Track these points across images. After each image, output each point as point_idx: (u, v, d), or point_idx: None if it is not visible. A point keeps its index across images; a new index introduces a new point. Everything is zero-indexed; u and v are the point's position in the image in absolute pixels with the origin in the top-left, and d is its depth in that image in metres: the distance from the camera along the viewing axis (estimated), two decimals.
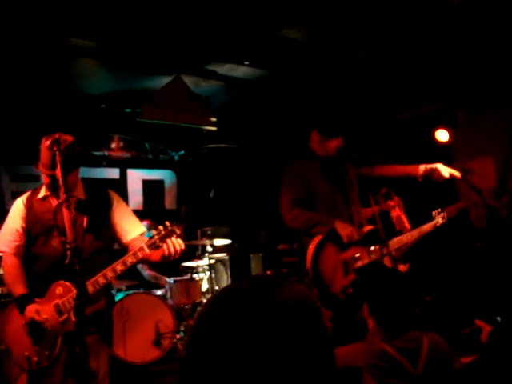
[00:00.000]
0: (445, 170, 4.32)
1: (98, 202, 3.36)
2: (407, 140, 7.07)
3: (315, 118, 4.57)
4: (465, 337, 3.57)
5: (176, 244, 3.11)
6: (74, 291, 2.70)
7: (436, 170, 4.31)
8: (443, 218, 4.36)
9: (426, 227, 4.35)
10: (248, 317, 0.91)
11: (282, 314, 0.92)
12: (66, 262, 2.42)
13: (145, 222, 7.09)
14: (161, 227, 3.21)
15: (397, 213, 4.66)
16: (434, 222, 4.35)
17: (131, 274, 6.65)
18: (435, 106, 6.71)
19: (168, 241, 3.10)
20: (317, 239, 3.96)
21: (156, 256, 3.19)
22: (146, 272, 6.90)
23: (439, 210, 4.42)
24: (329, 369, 0.94)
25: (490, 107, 6.40)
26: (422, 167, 4.36)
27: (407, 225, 4.50)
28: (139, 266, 6.91)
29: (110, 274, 3.05)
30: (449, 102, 6.62)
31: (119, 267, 3.06)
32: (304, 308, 0.95)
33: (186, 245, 7.60)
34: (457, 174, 4.42)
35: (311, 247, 3.92)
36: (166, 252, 3.11)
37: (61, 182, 2.74)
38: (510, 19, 5.01)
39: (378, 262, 3.82)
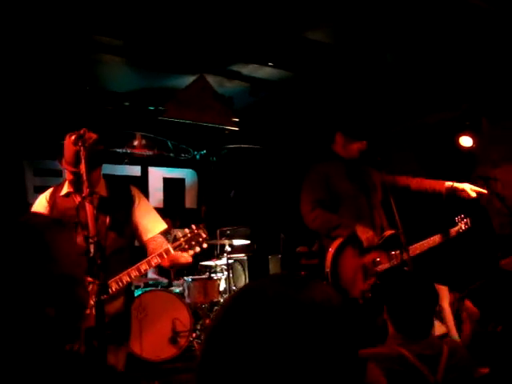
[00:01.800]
0: (471, 191, 4.27)
1: (120, 199, 3.36)
2: (430, 145, 7.00)
3: (339, 120, 4.56)
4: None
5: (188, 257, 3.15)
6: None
7: (463, 191, 4.27)
8: (466, 224, 4.33)
9: (449, 233, 4.31)
10: (274, 315, 0.89)
11: (311, 313, 0.89)
12: (91, 255, 2.43)
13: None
14: (187, 230, 3.21)
15: None
16: (457, 228, 4.32)
17: None
18: (459, 111, 6.63)
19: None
20: (337, 242, 3.94)
21: (165, 262, 3.19)
22: (152, 274, 6.89)
23: (462, 215, 4.38)
24: (355, 370, 0.93)
25: None
26: (449, 184, 4.31)
27: None
28: None
29: (134, 273, 3.06)
30: (473, 107, 6.54)
31: (143, 267, 3.08)
32: (332, 307, 0.93)
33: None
34: (483, 191, 4.36)
35: (331, 250, 3.91)
36: (184, 260, 3.13)
37: (84, 178, 2.76)
38: None
39: (398, 267, 3.79)
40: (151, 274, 6.93)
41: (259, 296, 0.93)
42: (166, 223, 7.14)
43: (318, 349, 0.87)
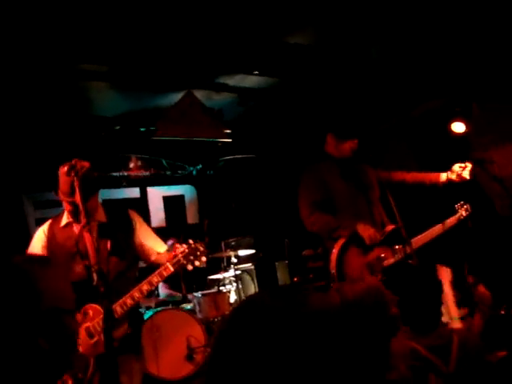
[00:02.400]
0: (463, 171, 4.26)
1: (119, 223, 3.40)
2: (423, 135, 7.01)
3: (329, 121, 4.57)
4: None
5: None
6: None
7: (458, 177, 4.24)
8: (466, 210, 4.33)
9: (450, 221, 4.31)
10: (275, 327, 0.90)
11: (312, 324, 0.91)
12: (94, 284, 2.45)
13: (170, 241, 7.11)
14: (185, 245, 3.24)
15: None
16: (457, 215, 4.31)
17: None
18: (449, 98, 6.65)
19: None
20: (340, 243, 3.94)
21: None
22: (161, 290, 6.90)
23: (462, 202, 4.38)
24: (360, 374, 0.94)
25: (505, 95, 6.32)
26: (443, 178, 4.31)
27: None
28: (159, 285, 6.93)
29: (137, 294, 3.08)
30: (462, 93, 6.56)
31: (145, 287, 3.10)
32: (333, 317, 0.94)
33: (210, 258, 7.59)
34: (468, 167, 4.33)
35: (334, 251, 3.91)
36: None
37: (81, 208, 2.77)
38: None
39: (403, 261, 3.79)
40: (163, 290, 6.93)
41: (257, 311, 0.95)
42: (173, 243, 7.17)
43: (317, 357, 0.88)
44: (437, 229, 4.23)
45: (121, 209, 3.62)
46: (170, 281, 6.90)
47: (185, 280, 7.29)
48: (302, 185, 4.23)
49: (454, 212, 4.34)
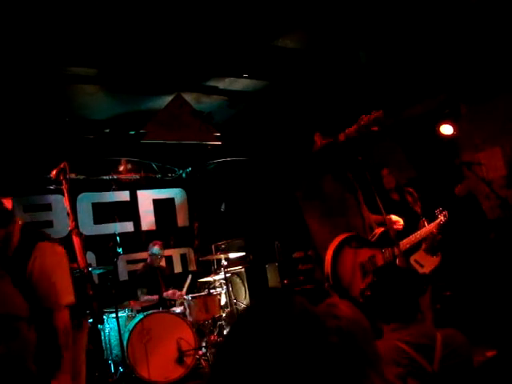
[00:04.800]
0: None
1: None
2: (413, 137, 7.06)
3: (316, 120, 4.61)
4: None
5: None
6: None
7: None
8: (445, 216, 4.50)
9: (430, 227, 4.49)
10: (261, 337, 0.94)
11: (282, 335, 0.93)
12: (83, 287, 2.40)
13: (156, 246, 7.08)
14: None
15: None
16: (437, 221, 4.50)
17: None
18: (437, 100, 6.70)
19: None
20: (334, 243, 3.96)
21: None
22: (142, 296, 6.70)
23: (440, 208, 4.55)
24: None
25: (492, 97, 6.38)
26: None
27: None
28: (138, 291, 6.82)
29: None
30: (450, 95, 6.61)
31: None
32: (306, 320, 0.96)
33: (201, 261, 7.55)
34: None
35: (329, 252, 3.93)
36: None
37: (69, 211, 2.77)
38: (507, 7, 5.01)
39: (391, 262, 3.83)
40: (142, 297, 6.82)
41: (248, 322, 1.01)
42: (158, 247, 7.07)
43: (299, 360, 0.90)
44: (421, 232, 4.37)
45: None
46: (146, 284, 6.82)
47: (174, 283, 7.30)
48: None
49: (435, 218, 4.52)
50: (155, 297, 6.52)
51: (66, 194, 2.84)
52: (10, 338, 2.17)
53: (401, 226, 4.33)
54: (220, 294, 6.86)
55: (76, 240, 2.66)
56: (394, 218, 4.35)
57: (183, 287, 7.05)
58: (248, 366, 0.92)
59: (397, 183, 5.20)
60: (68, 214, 2.79)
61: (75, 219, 2.75)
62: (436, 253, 4.66)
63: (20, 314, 2.10)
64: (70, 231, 2.74)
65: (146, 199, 8.43)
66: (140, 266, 7.33)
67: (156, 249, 6.96)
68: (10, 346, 2.18)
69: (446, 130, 6.31)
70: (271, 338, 0.93)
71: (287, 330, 0.94)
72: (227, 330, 6.64)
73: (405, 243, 4.13)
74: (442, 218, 4.50)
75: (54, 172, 3.00)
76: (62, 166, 3.02)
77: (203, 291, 6.90)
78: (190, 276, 7.18)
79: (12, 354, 2.19)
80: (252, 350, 0.93)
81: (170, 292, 6.80)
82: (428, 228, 4.50)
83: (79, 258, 2.57)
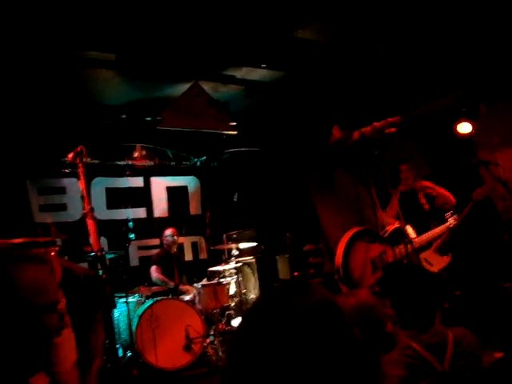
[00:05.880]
0: None
1: None
2: (430, 134, 7.01)
3: (334, 113, 4.60)
4: None
5: None
6: None
7: None
8: (455, 219, 4.55)
9: (440, 229, 4.53)
10: (269, 330, 0.93)
11: (299, 325, 0.92)
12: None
13: (169, 230, 7.16)
14: None
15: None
16: (447, 224, 4.54)
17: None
18: (456, 97, 6.63)
19: None
20: (347, 237, 3.95)
21: None
22: (155, 275, 6.93)
23: (451, 212, 4.59)
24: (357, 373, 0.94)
25: (510, 96, 6.31)
26: None
27: (452, 199, 4.68)
28: (152, 268, 6.95)
29: None
30: (469, 93, 6.54)
31: None
32: (322, 316, 0.95)
33: (212, 250, 7.57)
34: None
35: (341, 245, 3.92)
36: None
37: (85, 194, 2.79)
38: None
39: (401, 260, 3.82)
40: (154, 274, 6.91)
41: (256, 314, 1.00)
42: (172, 232, 7.16)
43: (314, 356, 0.90)
44: (433, 233, 4.40)
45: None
46: (162, 266, 6.93)
47: (186, 271, 7.34)
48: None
49: (445, 221, 4.57)
50: (172, 283, 6.61)
51: (81, 177, 2.86)
52: None
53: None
54: (229, 284, 6.87)
55: (91, 223, 2.68)
56: (409, 229, 4.34)
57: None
58: (265, 358, 0.91)
59: (414, 180, 5.21)
60: (83, 197, 2.80)
61: (90, 202, 2.76)
62: (446, 253, 4.68)
63: None
64: (85, 214, 2.75)
65: (159, 186, 8.45)
66: (153, 252, 7.39)
67: (169, 233, 7.09)
68: None
69: (464, 128, 6.25)
70: (292, 328, 0.92)
71: (309, 322, 0.93)
72: (237, 319, 6.67)
73: (417, 242, 4.13)
74: (452, 221, 4.55)
75: (71, 155, 3.02)
76: (78, 149, 3.04)
77: (213, 280, 6.92)
78: (205, 279, 7.21)
79: None
80: (269, 342, 0.92)
81: (185, 287, 6.86)
82: (439, 229, 4.52)
83: (93, 240, 2.59)
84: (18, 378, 1.15)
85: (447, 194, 5.04)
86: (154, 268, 6.93)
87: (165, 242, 7.19)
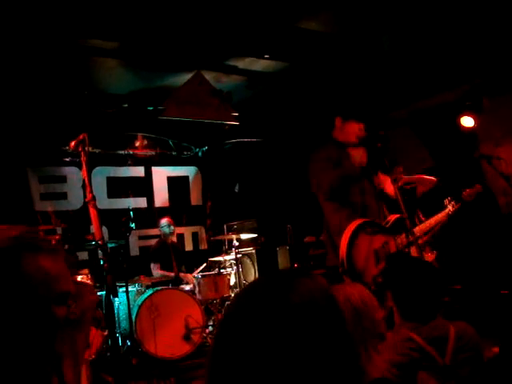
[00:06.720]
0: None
1: None
2: (433, 127, 6.99)
3: (337, 104, 4.57)
4: None
5: None
6: None
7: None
8: (453, 206, 4.40)
9: (440, 216, 4.38)
10: (262, 320, 0.91)
11: (293, 316, 0.90)
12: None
13: (164, 221, 7.17)
14: None
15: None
16: (446, 211, 4.38)
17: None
18: (460, 91, 6.61)
19: None
20: (350, 229, 3.95)
21: None
22: (155, 272, 6.95)
23: (450, 198, 4.45)
24: (348, 366, 0.93)
25: None
26: None
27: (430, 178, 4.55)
28: (151, 266, 6.98)
29: None
30: (473, 87, 6.52)
31: None
32: (317, 307, 0.93)
33: (212, 240, 7.56)
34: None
35: (345, 237, 3.92)
36: None
37: (87, 182, 2.78)
38: None
39: (403, 251, 3.81)
40: (155, 271, 6.94)
41: (250, 301, 0.96)
42: (167, 221, 7.13)
43: (305, 348, 0.88)
44: (433, 220, 4.28)
45: None
46: (160, 261, 6.95)
47: (186, 261, 7.35)
48: (316, 158, 4.22)
49: (444, 207, 4.42)
50: (171, 274, 6.62)
51: (84, 166, 2.84)
52: None
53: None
54: (230, 274, 6.88)
55: (93, 212, 2.67)
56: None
57: (194, 271, 7.11)
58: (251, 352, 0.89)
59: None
60: (85, 185, 2.79)
61: (92, 191, 2.75)
62: (434, 249, 4.55)
63: None
64: (87, 203, 2.74)
65: (160, 176, 8.44)
66: (154, 242, 7.40)
67: (164, 223, 7.08)
68: None
69: (467, 122, 6.23)
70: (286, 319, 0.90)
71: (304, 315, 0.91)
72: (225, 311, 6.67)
73: (417, 230, 4.08)
74: (450, 207, 4.40)
75: (73, 143, 3.00)
76: (81, 137, 3.02)
77: (213, 270, 6.93)
78: (204, 264, 7.21)
79: None
80: (259, 334, 0.90)
81: (185, 277, 6.88)
82: (439, 216, 4.39)
83: (95, 229, 2.58)
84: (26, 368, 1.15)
85: (422, 176, 4.81)
86: (152, 266, 6.96)
87: (160, 232, 7.20)
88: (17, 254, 1.19)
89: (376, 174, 4.29)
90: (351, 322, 1.86)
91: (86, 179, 2.78)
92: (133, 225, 6.47)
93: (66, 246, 5.41)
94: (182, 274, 6.85)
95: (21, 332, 1.12)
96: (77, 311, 1.18)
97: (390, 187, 4.17)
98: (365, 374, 1.74)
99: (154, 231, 7.76)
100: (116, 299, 6.00)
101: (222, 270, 6.83)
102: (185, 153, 8.60)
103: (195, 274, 6.94)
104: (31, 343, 1.13)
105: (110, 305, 2.40)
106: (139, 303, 5.90)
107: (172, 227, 7.16)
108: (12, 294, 1.13)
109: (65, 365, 1.18)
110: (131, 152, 8.09)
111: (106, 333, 2.85)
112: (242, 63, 6.27)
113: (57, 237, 5.43)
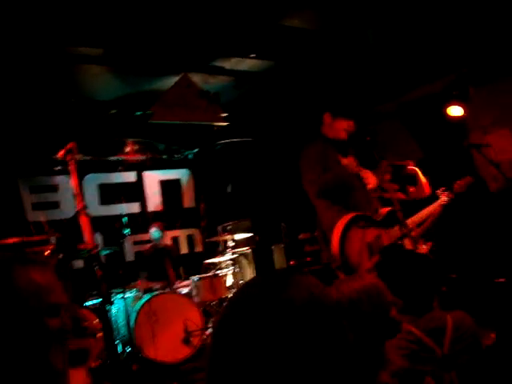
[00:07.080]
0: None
1: None
2: (421, 119, 7.01)
3: (325, 100, 4.57)
4: None
5: None
6: None
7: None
8: (447, 195, 4.43)
9: (433, 207, 4.42)
10: (257, 320, 0.91)
11: (288, 316, 0.90)
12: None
13: (153, 228, 7.14)
14: None
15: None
16: (439, 201, 4.42)
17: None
18: (446, 81, 6.63)
19: None
20: (342, 223, 3.95)
21: None
22: (142, 281, 6.70)
23: (443, 188, 4.48)
24: (345, 367, 0.93)
25: (501, 78, 6.30)
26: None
27: (427, 190, 4.56)
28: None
29: None
30: (459, 76, 6.54)
31: None
32: (313, 306, 0.93)
33: (207, 242, 7.51)
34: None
35: (337, 232, 3.92)
36: None
37: (78, 191, 2.77)
38: None
39: (397, 243, 3.82)
40: (141, 285, 6.80)
41: (245, 302, 0.96)
42: (158, 228, 7.04)
43: (301, 348, 0.88)
44: (422, 213, 4.32)
45: None
46: (149, 270, 6.88)
47: (184, 263, 7.34)
48: (307, 155, 4.22)
49: (436, 198, 4.46)
50: (159, 284, 6.48)
51: (73, 175, 2.83)
52: None
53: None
54: (226, 275, 6.87)
55: (84, 220, 2.66)
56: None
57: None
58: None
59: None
60: (75, 194, 2.78)
61: (83, 200, 2.74)
62: (428, 240, 4.56)
63: None
64: (78, 212, 2.73)
65: (152, 180, 8.43)
66: (147, 246, 7.38)
67: (154, 231, 7.07)
68: None
69: (455, 111, 6.24)
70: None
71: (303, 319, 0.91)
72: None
73: (409, 222, 4.09)
74: (444, 198, 4.44)
75: (62, 152, 3.00)
76: (69, 146, 3.02)
77: (209, 272, 6.92)
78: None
79: None
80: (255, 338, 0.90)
81: (182, 284, 6.82)
82: (432, 206, 4.43)
83: (87, 238, 2.58)
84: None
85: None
86: (139, 282, 6.65)
87: (151, 239, 7.20)
88: (8, 266, 1.19)
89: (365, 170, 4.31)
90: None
91: (76, 188, 2.77)
92: (127, 230, 6.46)
93: (61, 256, 5.38)
94: (178, 283, 6.77)
95: (14, 344, 1.12)
96: (69, 322, 1.18)
97: (372, 180, 4.19)
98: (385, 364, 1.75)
99: (148, 236, 7.75)
100: (114, 306, 5.97)
101: (218, 272, 6.82)
102: (175, 156, 8.59)
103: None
104: (25, 355, 1.13)
105: (106, 313, 2.40)
106: (137, 309, 5.88)
107: (160, 231, 7.14)
108: (4, 306, 1.13)
109: (60, 376, 1.18)
110: (122, 158, 8.06)
111: (101, 334, 2.85)
112: (229, 64, 6.26)
113: (51, 247, 5.39)
